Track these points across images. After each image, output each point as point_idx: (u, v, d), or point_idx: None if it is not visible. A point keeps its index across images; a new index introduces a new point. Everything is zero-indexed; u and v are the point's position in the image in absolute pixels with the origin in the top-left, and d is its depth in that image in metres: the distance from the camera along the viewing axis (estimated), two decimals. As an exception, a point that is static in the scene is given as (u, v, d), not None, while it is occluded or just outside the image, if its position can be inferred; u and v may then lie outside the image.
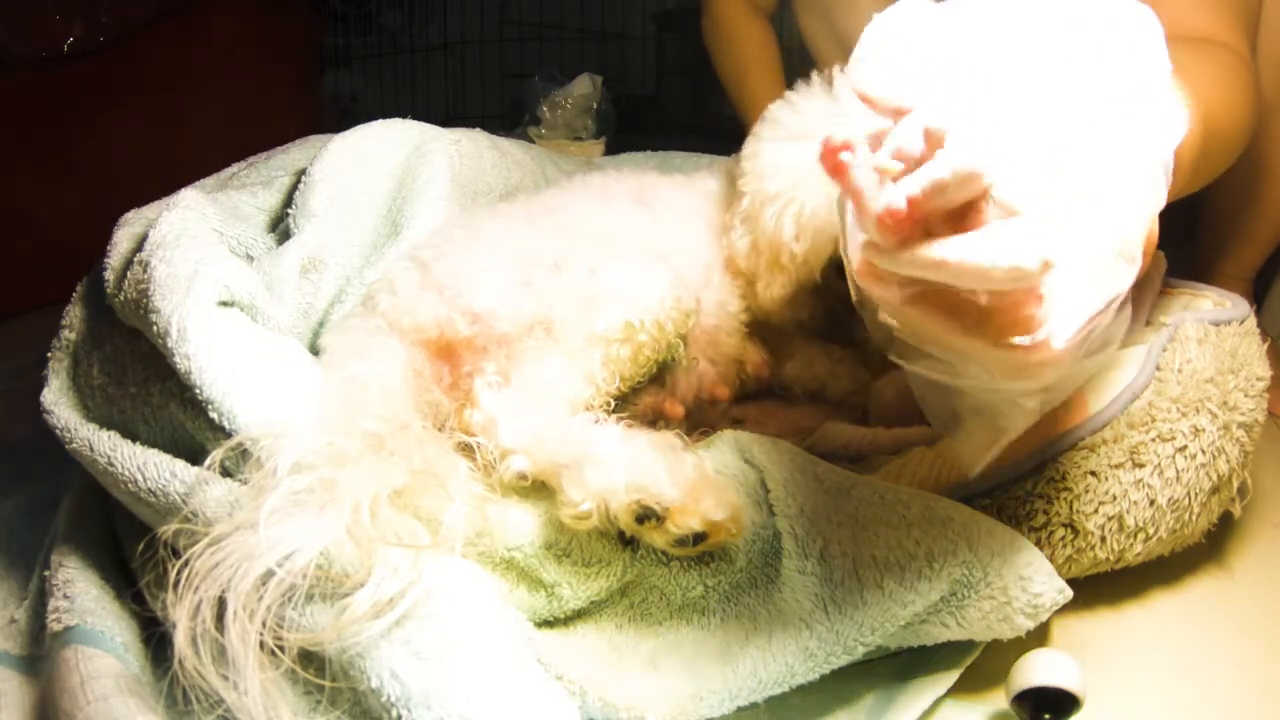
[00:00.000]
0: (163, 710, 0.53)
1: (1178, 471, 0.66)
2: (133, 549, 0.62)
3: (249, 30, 1.59)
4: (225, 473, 0.58)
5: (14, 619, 0.66)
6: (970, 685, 0.60)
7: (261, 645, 0.48)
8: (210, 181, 0.89)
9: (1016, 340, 0.39)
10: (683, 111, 2.19)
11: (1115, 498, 0.65)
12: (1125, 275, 0.42)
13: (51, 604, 0.61)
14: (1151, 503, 0.65)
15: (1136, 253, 0.42)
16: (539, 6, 2.20)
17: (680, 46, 2.17)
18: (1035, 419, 0.60)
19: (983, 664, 0.60)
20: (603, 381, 0.68)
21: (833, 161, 0.39)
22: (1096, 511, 0.65)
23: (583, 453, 0.60)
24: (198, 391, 0.60)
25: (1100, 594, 0.69)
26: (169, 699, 0.52)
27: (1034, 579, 0.56)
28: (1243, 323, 0.76)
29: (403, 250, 0.79)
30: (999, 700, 0.58)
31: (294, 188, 0.85)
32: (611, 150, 1.66)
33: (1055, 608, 0.57)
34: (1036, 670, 0.55)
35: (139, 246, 0.70)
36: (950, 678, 0.60)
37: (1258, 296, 1.16)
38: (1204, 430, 0.67)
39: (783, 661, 0.55)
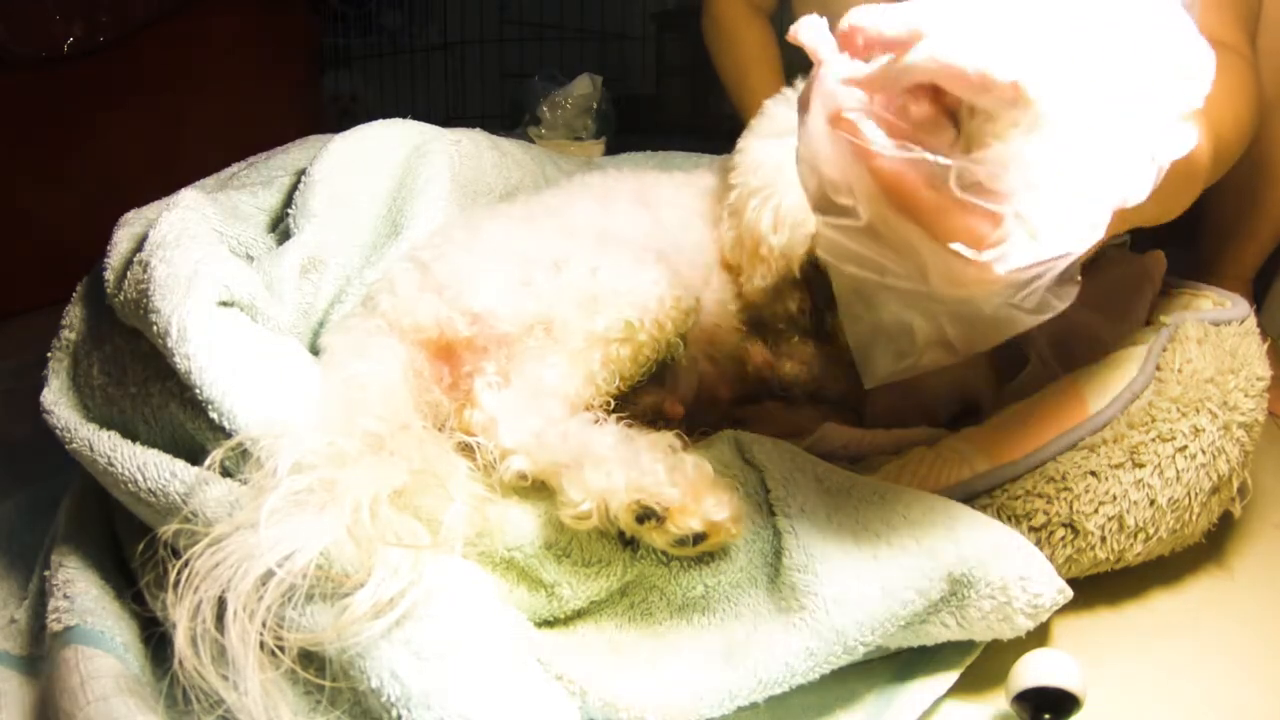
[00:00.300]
0: (163, 710, 0.53)
1: (1178, 471, 0.66)
2: (133, 549, 0.62)
3: (249, 30, 1.59)
4: (225, 473, 0.58)
5: (14, 619, 0.66)
6: (970, 685, 0.60)
7: (261, 645, 0.48)
8: (210, 181, 0.89)
9: (962, 250, 0.42)
10: (683, 111, 2.19)
11: (1115, 498, 0.65)
12: (1083, 238, 0.43)
13: (51, 604, 0.61)
14: (1151, 503, 0.65)
15: (1102, 221, 0.43)
16: (539, 6, 2.20)
17: (680, 46, 2.17)
18: (946, 361, 0.58)
19: (983, 664, 0.60)
20: (603, 381, 0.68)
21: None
22: (1096, 511, 0.65)
23: (583, 452, 0.60)
24: (198, 391, 0.60)
25: (1100, 594, 0.69)
26: (169, 699, 0.52)
27: (1034, 579, 0.56)
28: (1243, 323, 0.76)
29: (403, 250, 0.79)
30: (999, 700, 0.58)
31: (294, 188, 0.85)
32: (611, 150, 1.66)
33: (1055, 608, 0.58)
34: (1037, 670, 0.55)
35: (139, 246, 0.70)
36: (950, 678, 0.60)
37: (1258, 296, 1.16)
38: (1204, 430, 0.67)
39: (783, 661, 0.55)
